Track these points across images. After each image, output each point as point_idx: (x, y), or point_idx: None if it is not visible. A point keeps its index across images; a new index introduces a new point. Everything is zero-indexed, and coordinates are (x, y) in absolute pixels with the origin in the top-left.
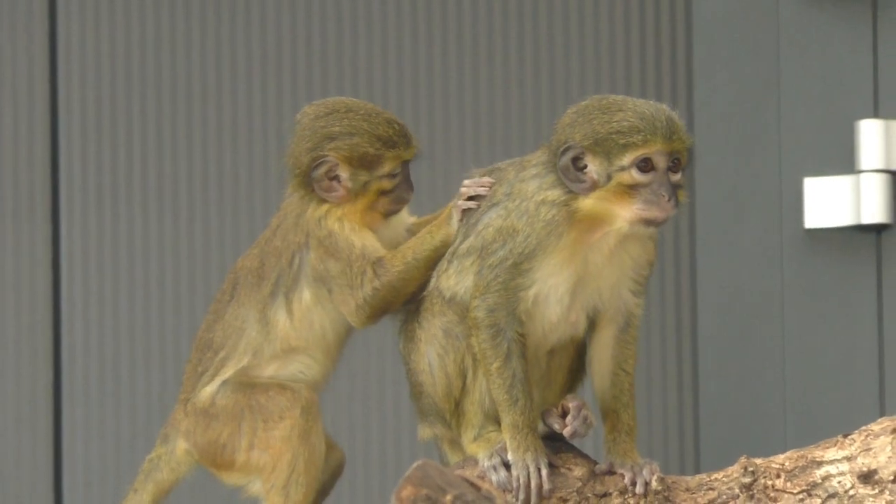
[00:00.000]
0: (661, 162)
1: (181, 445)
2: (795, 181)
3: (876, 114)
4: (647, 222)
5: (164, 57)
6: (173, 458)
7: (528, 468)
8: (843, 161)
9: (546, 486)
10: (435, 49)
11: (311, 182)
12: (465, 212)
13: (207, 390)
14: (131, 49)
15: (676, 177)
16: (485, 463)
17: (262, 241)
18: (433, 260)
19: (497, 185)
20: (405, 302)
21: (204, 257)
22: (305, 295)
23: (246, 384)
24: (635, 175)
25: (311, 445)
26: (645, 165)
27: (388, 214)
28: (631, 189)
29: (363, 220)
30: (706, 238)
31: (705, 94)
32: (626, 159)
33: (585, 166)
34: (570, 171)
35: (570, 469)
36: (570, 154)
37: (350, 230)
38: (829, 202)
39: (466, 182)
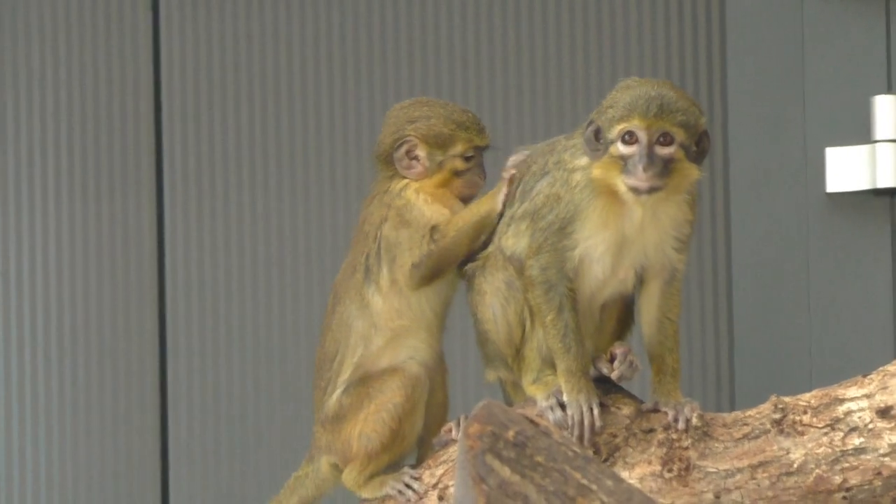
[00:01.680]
0: (643, 136)
1: (326, 461)
2: (818, 150)
3: (889, 90)
4: (633, 189)
5: (261, 44)
6: (319, 475)
7: (581, 408)
8: (860, 132)
9: (598, 424)
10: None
11: (394, 162)
12: (511, 181)
13: (333, 397)
14: (230, 35)
15: (666, 150)
16: (542, 403)
17: (352, 244)
18: (479, 229)
19: (549, 155)
20: (453, 267)
21: (301, 238)
22: (384, 272)
23: (363, 378)
24: (620, 147)
25: (411, 422)
26: (629, 138)
27: (464, 199)
28: (620, 159)
29: (437, 194)
30: (740, 200)
31: (738, 76)
32: (614, 132)
33: (602, 138)
34: (591, 142)
35: (618, 408)
36: (593, 126)
37: (423, 201)
38: (847, 169)
39: (511, 158)
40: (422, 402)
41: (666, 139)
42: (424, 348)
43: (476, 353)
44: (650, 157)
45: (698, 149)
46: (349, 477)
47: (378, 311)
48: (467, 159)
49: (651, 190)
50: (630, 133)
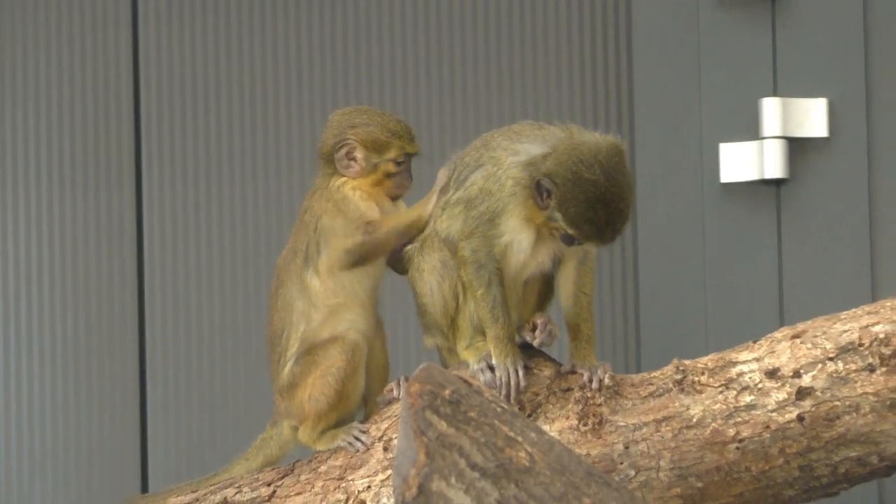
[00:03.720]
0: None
1: (287, 425)
2: (713, 145)
3: (775, 93)
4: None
5: (237, 39)
6: (282, 438)
7: (508, 370)
8: (750, 130)
9: (522, 384)
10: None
11: (334, 161)
12: (442, 191)
13: (286, 369)
14: (202, 30)
15: None
16: (474, 366)
17: (293, 231)
18: (409, 231)
19: (484, 149)
20: (380, 258)
21: (267, 222)
22: (322, 258)
23: (309, 348)
24: (570, 230)
25: (354, 383)
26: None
27: (392, 197)
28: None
29: (370, 192)
30: (644, 189)
31: (643, 80)
32: (570, 227)
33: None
34: (539, 195)
35: (540, 370)
36: (544, 188)
37: (359, 197)
38: (739, 162)
39: (442, 172)
40: (361, 365)
41: None
42: (360, 320)
43: (414, 322)
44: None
45: None
46: (304, 434)
47: (316, 292)
48: (398, 164)
49: None
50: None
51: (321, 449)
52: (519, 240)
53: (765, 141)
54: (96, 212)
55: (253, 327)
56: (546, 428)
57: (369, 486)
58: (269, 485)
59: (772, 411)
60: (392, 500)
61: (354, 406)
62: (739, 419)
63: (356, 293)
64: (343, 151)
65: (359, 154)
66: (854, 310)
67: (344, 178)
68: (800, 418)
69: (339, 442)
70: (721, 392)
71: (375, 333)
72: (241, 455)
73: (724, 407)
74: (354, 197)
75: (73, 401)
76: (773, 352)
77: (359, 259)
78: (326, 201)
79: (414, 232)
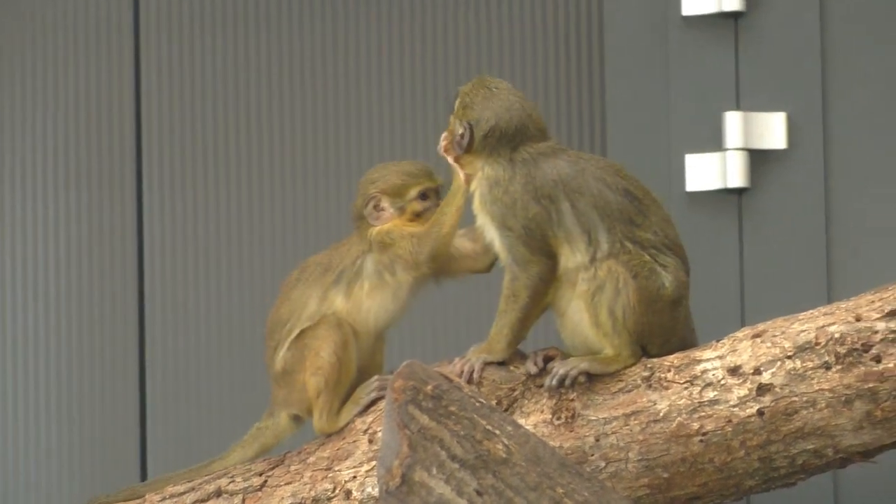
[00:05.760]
0: None
1: (285, 415)
2: (679, 156)
3: (738, 107)
4: None
5: (237, 47)
6: (278, 427)
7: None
8: (714, 142)
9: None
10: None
11: (366, 217)
12: (447, 153)
13: (280, 355)
14: (203, 41)
15: None
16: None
17: (333, 247)
18: (460, 210)
19: None
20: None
21: (261, 226)
22: (365, 285)
23: (300, 334)
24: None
25: (347, 354)
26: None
27: None
28: None
29: (407, 225)
30: None
31: (615, 93)
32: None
33: None
34: None
35: (516, 367)
36: None
37: (398, 226)
38: (703, 172)
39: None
40: (350, 338)
41: None
42: (359, 337)
43: (420, 332)
44: None
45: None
46: (319, 421)
47: (333, 307)
48: (424, 199)
49: None
50: None
51: (343, 423)
52: None
53: (727, 152)
54: (99, 214)
55: (248, 323)
56: (522, 421)
57: (355, 476)
58: (260, 475)
59: (733, 406)
60: (377, 489)
61: (354, 378)
62: (703, 413)
63: (367, 320)
64: (370, 206)
65: (384, 203)
66: (811, 311)
67: (377, 228)
68: (760, 413)
69: (365, 400)
70: (686, 388)
71: (375, 345)
72: (237, 443)
73: (689, 402)
74: (394, 227)
75: (76, 393)
76: (734, 350)
77: (433, 252)
78: (368, 244)
79: (463, 203)
